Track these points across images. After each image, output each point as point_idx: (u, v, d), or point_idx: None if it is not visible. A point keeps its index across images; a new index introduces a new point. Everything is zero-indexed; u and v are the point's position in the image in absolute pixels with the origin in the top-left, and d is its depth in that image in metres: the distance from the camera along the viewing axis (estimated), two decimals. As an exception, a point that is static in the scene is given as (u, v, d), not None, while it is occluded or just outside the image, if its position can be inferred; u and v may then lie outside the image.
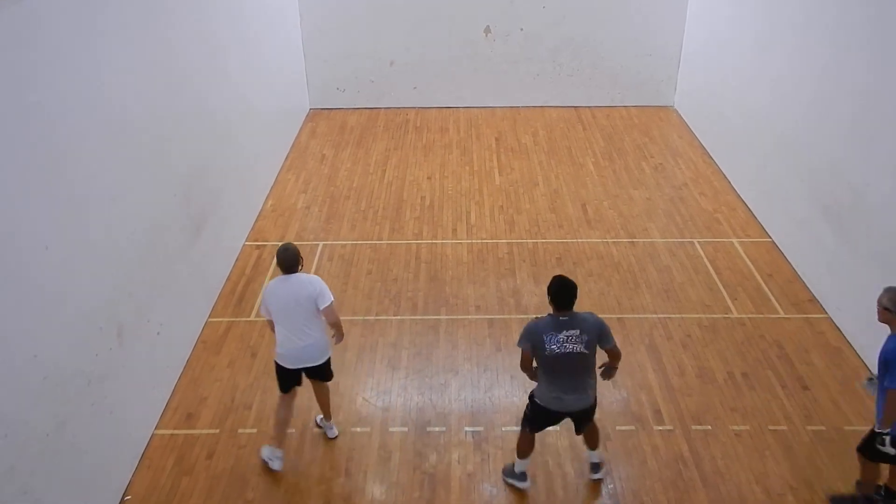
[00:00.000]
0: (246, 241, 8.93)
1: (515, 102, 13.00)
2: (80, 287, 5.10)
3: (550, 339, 4.98)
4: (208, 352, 7.12)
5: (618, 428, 6.27)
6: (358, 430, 6.26)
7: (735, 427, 6.26)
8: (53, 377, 4.75)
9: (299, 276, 5.56)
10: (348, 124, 12.35)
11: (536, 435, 5.59)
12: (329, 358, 5.79)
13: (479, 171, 10.72)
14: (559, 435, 6.18)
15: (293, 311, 5.50)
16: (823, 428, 6.25)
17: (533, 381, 5.36)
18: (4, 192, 4.33)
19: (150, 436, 6.15)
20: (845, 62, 7.42)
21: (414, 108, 12.94)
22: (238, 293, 7.96)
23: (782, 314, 7.63)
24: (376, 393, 6.66)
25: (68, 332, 4.96)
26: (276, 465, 5.84)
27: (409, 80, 12.82)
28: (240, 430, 6.24)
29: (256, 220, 9.38)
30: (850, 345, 7.17)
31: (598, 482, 5.75)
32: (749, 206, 9.63)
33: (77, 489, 5.02)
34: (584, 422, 5.49)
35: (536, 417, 5.40)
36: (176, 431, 6.23)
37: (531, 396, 5.40)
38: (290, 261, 5.52)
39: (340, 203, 9.78)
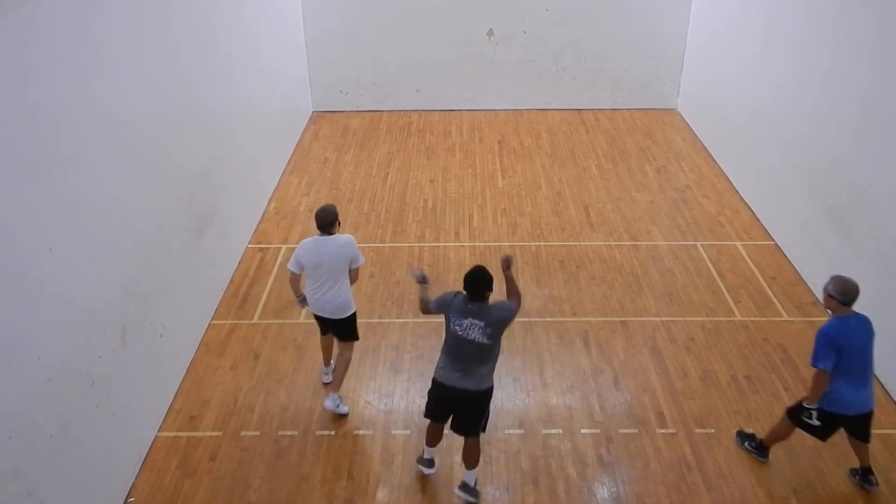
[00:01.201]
0: (249, 243, 8.94)
1: (518, 105, 13.01)
2: (83, 289, 5.11)
3: (456, 321, 5.20)
4: (211, 354, 7.13)
5: (621, 431, 6.26)
6: (360, 432, 6.26)
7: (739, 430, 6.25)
8: (57, 379, 4.76)
9: (337, 238, 6.02)
10: (351, 127, 12.37)
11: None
12: (350, 316, 6.22)
13: (482, 173, 10.72)
14: (561, 437, 6.18)
15: (325, 269, 5.98)
16: (827, 431, 6.24)
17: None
18: (7, 193, 4.34)
19: (153, 438, 6.16)
20: (848, 64, 7.42)
21: (417, 110, 12.96)
22: (241, 296, 7.97)
23: (786, 317, 7.62)
24: (379, 396, 6.66)
25: (72, 334, 4.97)
26: (325, 378, 6.69)
27: (412, 83, 12.84)
28: (242, 433, 6.25)
29: (259, 223, 9.39)
30: (854, 348, 7.16)
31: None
32: (752, 208, 9.62)
33: (81, 491, 5.03)
34: (464, 410, 5.41)
35: (429, 396, 5.54)
36: (179, 433, 6.24)
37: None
38: (326, 221, 5.99)
39: (343, 206, 9.78)
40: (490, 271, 5.28)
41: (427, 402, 5.60)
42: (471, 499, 5.56)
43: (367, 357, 7.10)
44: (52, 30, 4.81)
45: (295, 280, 6.19)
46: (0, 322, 4.25)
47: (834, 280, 5.27)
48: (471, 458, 5.54)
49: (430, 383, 5.53)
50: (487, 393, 5.40)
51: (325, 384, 6.67)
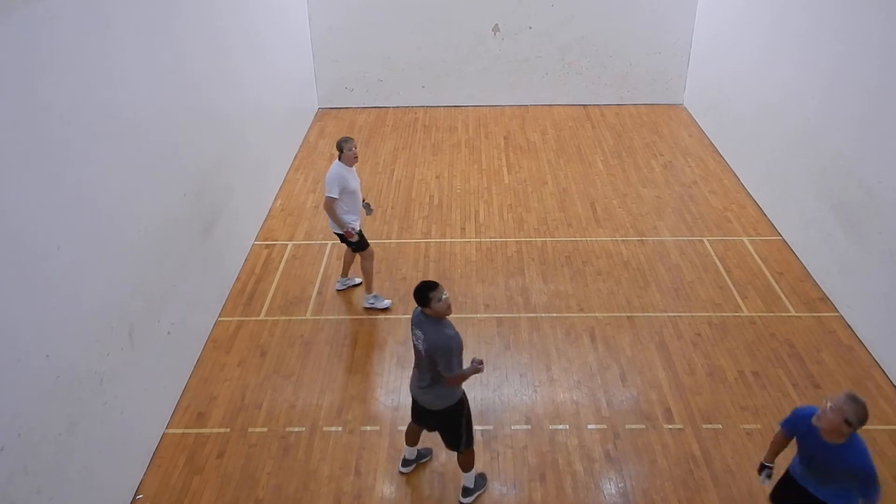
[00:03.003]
0: (255, 240, 8.96)
1: (524, 101, 12.99)
2: (91, 287, 5.13)
3: (412, 331, 5.22)
4: (218, 351, 7.15)
5: (628, 426, 6.25)
6: (367, 428, 6.28)
7: (746, 426, 6.24)
8: (66, 377, 4.78)
9: (332, 164, 7.19)
10: (357, 123, 12.36)
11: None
12: (343, 232, 7.22)
13: (488, 169, 10.71)
14: (568, 433, 6.18)
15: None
16: (835, 427, 6.21)
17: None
18: (16, 192, 4.36)
19: (161, 435, 6.19)
20: (855, 59, 7.38)
21: (422, 107, 12.95)
22: (248, 292, 7.98)
23: (793, 312, 7.59)
24: (386, 392, 6.67)
25: (80, 332, 4.99)
26: (337, 285, 8.02)
27: (418, 80, 12.82)
28: (250, 430, 6.26)
29: (266, 220, 9.40)
30: (862, 343, 7.13)
31: None
32: (759, 204, 9.59)
33: (89, 488, 5.05)
34: (433, 425, 5.46)
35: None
36: (187, 430, 6.26)
37: None
38: (337, 147, 7.19)
39: (349, 202, 9.78)
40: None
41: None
42: (472, 498, 5.59)
43: (374, 353, 7.11)
44: (62, 30, 4.82)
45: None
46: (9, 320, 4.27)
47: (853, 405, 4.31)
48: (461, 465, 5.58)
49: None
50: (446, 413, 5.28)
51: (337, 290, 7.96)
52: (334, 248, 8.77)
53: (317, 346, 7.21)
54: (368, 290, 7.66)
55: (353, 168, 7.24)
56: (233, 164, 8.20)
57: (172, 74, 6.60)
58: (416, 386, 5.34)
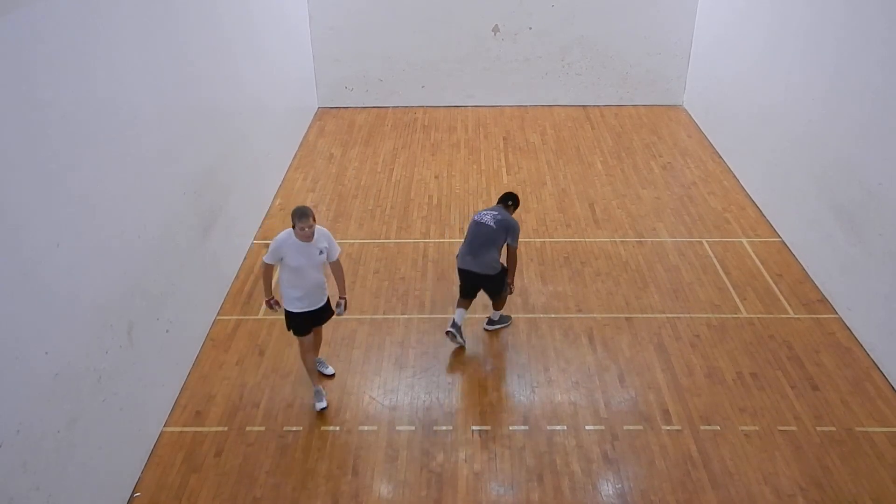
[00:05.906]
0: (254, 239, 8.96)
1: (524, 101, 12.99)
2: (90, 285, 5.13)
3: (482, 215, 6.91)
4: (217, 349, 7.15)
5: (626, 427, 6.26)
6: (365, 428, 6.28)
7: (744, 427, 6.24)
8: (65, 374, 4.78)
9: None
10: (356, 123, 12.37)
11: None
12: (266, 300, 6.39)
13: (487, 170, 10.71)
14: (566, 434, 6.18)
15: None
16: (834, 429, 6.22)
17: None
18: (16, 190, 4.36)
19: (159, 433, 6.19)
20: (857, 60, 7.39)
21: (422, 107, 12.95)
22: (246, 291, 7.98)
23: (792, 314, 7.60)
24: (383, 392, 6.67)
25: (79, 330, 4.99)
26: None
27: (418, 79, 12.83)
28: (248, 428, 6.26)
29: (265, 219, 9.40)
30: (861, 345, 7.14)
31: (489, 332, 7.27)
32: (759, 205, 9.59)
33: (88, 485, 5.05)
34: (486, 286, 7.01)
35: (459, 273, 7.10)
36: (185, 429, 6.26)
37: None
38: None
39: (348, 202, 9.79)
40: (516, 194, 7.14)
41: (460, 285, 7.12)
42: (497, 326, 7.37)
43: (372, 353, 7.11)
44: (62, 29, 4.82)
45: None
46: (8, 317, 4.27)
47: None
48: (495, 307, 7.26)
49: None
50: (498, 276, 6.88)
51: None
52: (333, 248, 8.77)
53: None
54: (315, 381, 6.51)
55: (308, 244, 5.86)
56: (232, 164, 8.20)
57: (172, 74, 6.60)
58: (473, 259, 6.80)
